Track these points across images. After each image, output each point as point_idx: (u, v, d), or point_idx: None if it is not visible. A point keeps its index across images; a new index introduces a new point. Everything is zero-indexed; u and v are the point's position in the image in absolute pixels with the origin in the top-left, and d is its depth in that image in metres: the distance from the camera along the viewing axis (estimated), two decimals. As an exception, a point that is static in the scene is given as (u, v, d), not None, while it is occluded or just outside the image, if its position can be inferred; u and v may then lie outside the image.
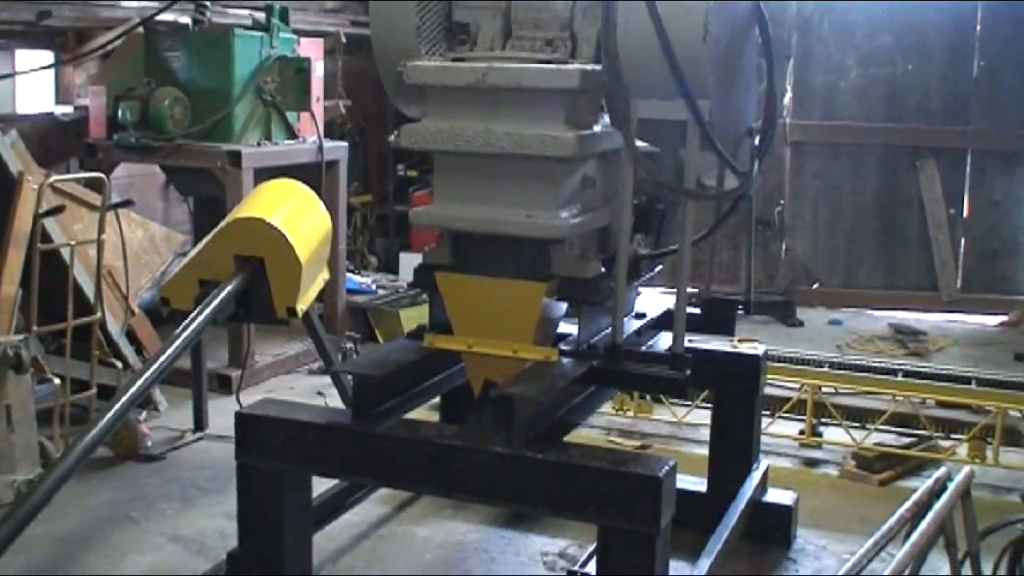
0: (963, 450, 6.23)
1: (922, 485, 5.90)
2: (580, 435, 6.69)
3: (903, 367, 6.48)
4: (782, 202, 10.68)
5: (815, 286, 10.78)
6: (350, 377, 4.22)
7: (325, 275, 5.54)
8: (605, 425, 6.88)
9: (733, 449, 5.24)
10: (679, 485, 5.36)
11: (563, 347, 4.23)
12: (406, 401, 4.17)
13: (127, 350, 6.53)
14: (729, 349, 5.24)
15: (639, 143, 4.20)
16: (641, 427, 6.86)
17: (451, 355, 4.32)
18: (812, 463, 6.43)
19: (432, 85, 4.10)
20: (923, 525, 3.20)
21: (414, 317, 8.61)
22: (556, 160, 3.95)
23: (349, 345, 7.74)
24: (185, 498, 5.48)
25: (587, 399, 4.32)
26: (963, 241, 10.46)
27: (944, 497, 3.40)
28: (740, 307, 5.13)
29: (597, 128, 4.21)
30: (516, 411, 3.68)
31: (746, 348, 5.26)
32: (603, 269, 4.20)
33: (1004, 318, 10.22)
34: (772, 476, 6.05)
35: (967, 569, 3.99)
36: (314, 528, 4.65)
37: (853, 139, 10.55)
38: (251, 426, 3.96)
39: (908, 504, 3.47)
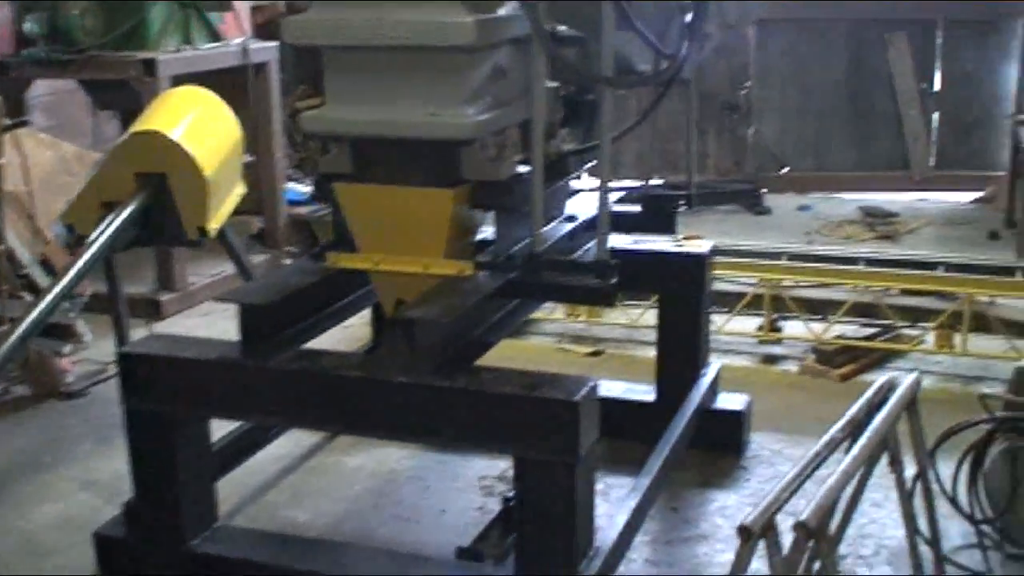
0: (930, 339, 5.91)
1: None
2: (531, 344, 6.39)
3: (865, 255, 6.11)
4: (748, 84, 10.21)
5: (784, 171, 10.37)
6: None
7: (240, 189, 5.15)
8: (558, 331, 6.56)
9: (681, 354, 4.91)
10: (626, 395, 5.18)
11: (480, 259, 3.84)
12: (306, 329, 3.80)
13: (44, 280, 6.13)
14: (672, 248, 4.86)
15: (563, 27, 3.80)
16: (594, 332, 6.53)
17: (358, 275, 3.93)
18: (772, 360, 6.12)
19: (315, -28, 3.66)
20: (858, 446, 2.85)
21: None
22: (458, 50, 3.53)
23: (287, 261, 7.35)
24: (101, 438, 5.13)
25: (508, 314, 3.95)
26: (935, 116, 10.03)
27: (884, 411, 3.05)
28: (682, 202, 4.72)
29: (505, 11, 3.77)
30: (419, 335, 3.33)
31: (691, 246, 4.88)
32: (522, 170, 3.80)
33: (979, 194, 9.84)
34: (730, 376, 5.75)
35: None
36: (236, 463, 4.35)
37: (819, 14, 10.03)
38: (135, 366, 3.59)
39: (842, 422, 3.12)
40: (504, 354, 6.27)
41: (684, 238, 5.02)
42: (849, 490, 3.03)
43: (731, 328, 6.21)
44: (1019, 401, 3.72)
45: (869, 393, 3.24)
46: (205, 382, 3.54)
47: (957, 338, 5.76)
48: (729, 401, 5.06)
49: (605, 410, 5.06)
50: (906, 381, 3.36)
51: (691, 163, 4.87)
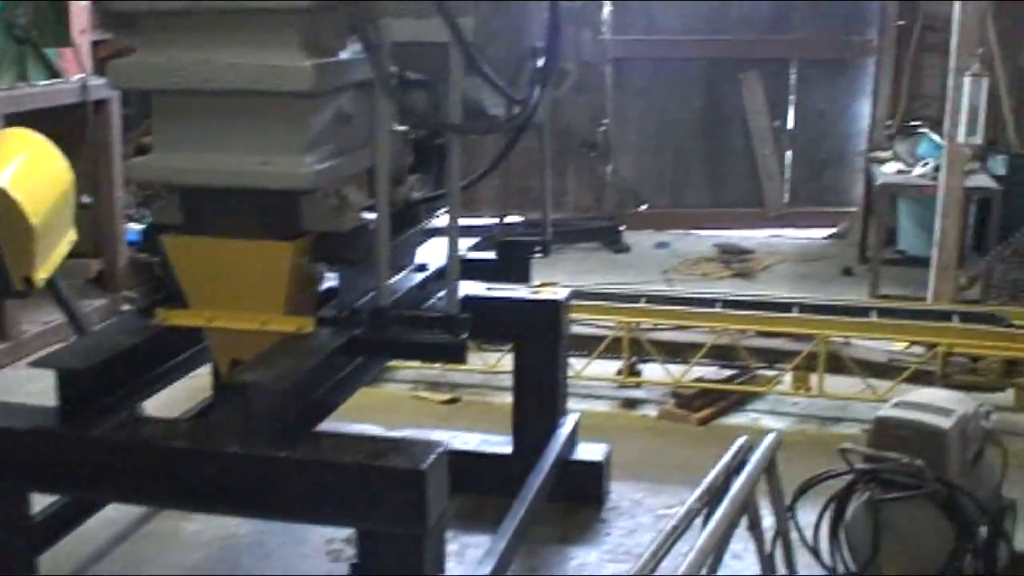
0: (788, 380, 5.89)
1: (742, 421, 5.61)
2: (384, 392, 6.17)
3: (721, 297, 6.07)
4: (605, 122, 10.20)
5: (643, 208, 10.38)
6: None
7: (72, 236, 4.86)
8: (413, 378, 6.35)
9: (538, 405, 4.76)
10: (482, 448, 5.00)
11: (323, 314, 3.63)
12: (132, 393, 3.52)
13: None
14: (528, 296, 4.71)
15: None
16: (451, 378, 6.34)
17: (191, 331, 3.67)
18: (632, 404, 6.03)
19: (141, 10, 3.41)
20: (715, 520, 2.72)
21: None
22: (294, 95, 3.32)
23: (126, 307, 6.99)
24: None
25: (355, 371, 3.74)
26: (789, 153, 10.17)
27: (742, 476, 2.94)
28: (538, 249, 4.58)
29: (349, 53, 3.59)
30: (252, 401, 3.09)
31: (547, 293, 4.74)
32: (368, 218, 3.60)
33: (833, 230, 10.01)
34: (590, 422, 5.64)
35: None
36: (64, 532, 4.02)
37: (675, 53, 10.11)
38: (-59, 433, 3.26)
39: (701, 489, 2.99)
40: (357, 403, 6.02)
41: (540, 285, 4.88)
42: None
43: (591, 372, 6.09)
44: (880, 455, 3.66)
45: (727, 457, 3.12)
46: (18, 453, 3.24)
47: (814, 379, 5.75)
48: (588, 451, 4.93)
49: (461, 464, 4.92)
50: (765, 442, 3.25)
51: (546, 210, 4.71)
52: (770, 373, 5.90)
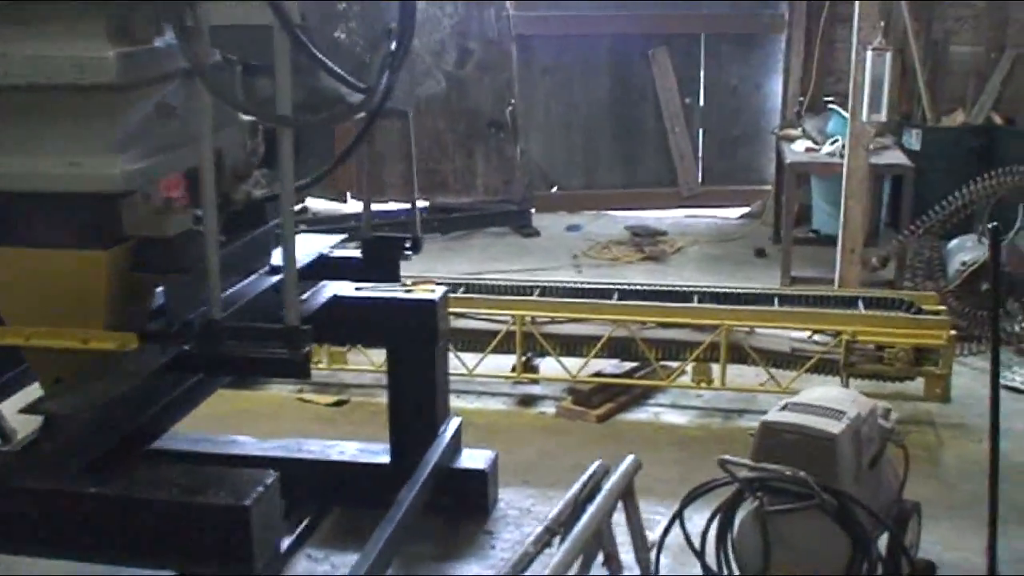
0: (689, 373, 5.63)
1: (643, 417, 5.31)
2: (268, 395, 5.83)
3: (620, 287, 5.78)
4: (512, 101, 9.87)
5: (554, 190, 10.09)
6: None
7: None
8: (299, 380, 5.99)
9: (416, 411, 4.45)
10: (360, 458, 4.68)
11: (152, 329, 3.27)
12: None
13: None
14: (400, 296, 4.39)
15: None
16: (341, 378, 6.00)
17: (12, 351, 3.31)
18: (528, 401, 5.74)
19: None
20: (562, 551, 2.43)
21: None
22: (100, 89, 2.96)
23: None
24: None
25: (189, 390, 3.40)
26: (701, 131, 9.92)
27: (594, 505, 2.65)
28: (407, 247, 4.25)
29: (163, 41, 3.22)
30: (54, 433, 2.74)
31: (421, 293, 4.42)
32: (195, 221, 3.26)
33: (747, 209, 9.79)
34: (483, 422, 5.41)
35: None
36: None
37: (582, 29, 9.78)
38: None
39: (554, 512, 2.69)
40: (238, 407, 5.72)
41: (415, 283, 4.56)
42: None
43: (485, 369, 5.79)
44: (760, 468, 3.39)
45: (577, 486, 2.83)
46: None
47: (717, 371, 5.49)
48: (472, 459, 4.63)
49: (337, 476, 4.63)
50: (622, 467, 2.96)
51: (414, 203, 4.38)
52: (673, 365, 5.63)
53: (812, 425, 3.52)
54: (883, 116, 5.72)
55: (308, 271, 4.18)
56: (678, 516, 3.66)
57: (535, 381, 5.79)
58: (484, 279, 6.05)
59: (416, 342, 4.35)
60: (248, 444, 4.74)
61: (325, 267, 4.26)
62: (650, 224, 9.29)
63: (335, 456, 4.63)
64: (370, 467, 4.55)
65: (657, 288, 5.78)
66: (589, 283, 5.90)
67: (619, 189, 9.99)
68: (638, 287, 5.78)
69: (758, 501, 3.49)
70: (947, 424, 5.38)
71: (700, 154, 9.93)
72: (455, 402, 5.69)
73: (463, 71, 9.45)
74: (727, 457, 3.40)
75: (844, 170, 6.09)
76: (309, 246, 4.35)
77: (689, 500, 3.68)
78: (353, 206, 10.30)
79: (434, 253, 8.64)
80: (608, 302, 5.58)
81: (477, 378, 5.80)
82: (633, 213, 9.80)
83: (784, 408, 3.68)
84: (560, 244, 8.90)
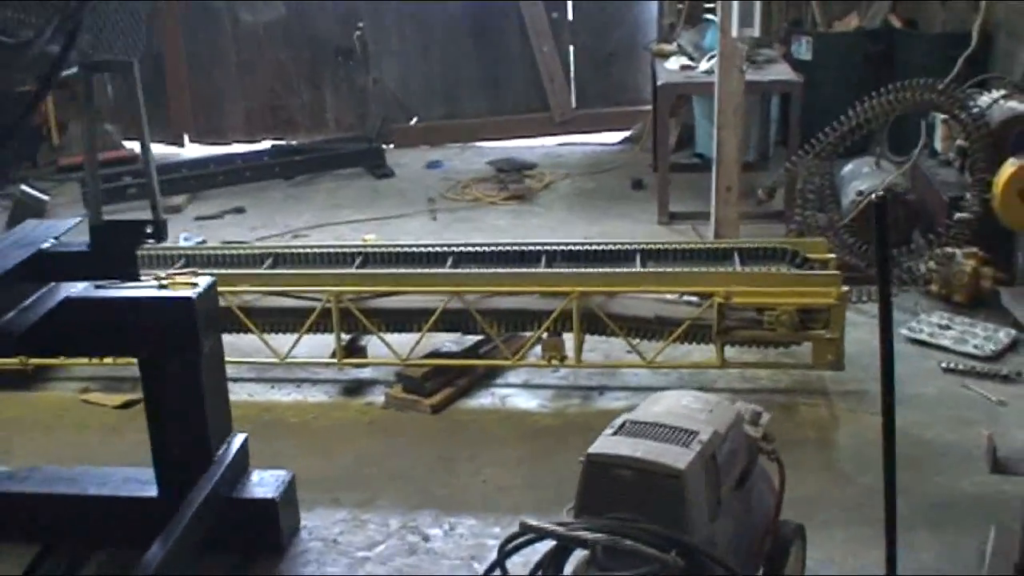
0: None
1: (487, 403, 4.50)
2: (49, 396, 4.95)
3: (451, 250, 4.88)
4: (360, 24, 8.84)
5: (413, 122, 9.13)
6: None
7: None
8: (87, 375, 5.04)
9: (181, 432, 3.56)
10: (123, 491, 3.79)
11: None
12: None
13: None
14: (148, 294, 3.46)
15: None
16: (134, 371, 5.03)
17: None
18: (354, 390, 4.87)
19: None
20: None
21: None
22: None
23: None
24: None
25: None
26: (571, 49, 8.98)
27: None
28: (148, 233, 3.32)
29: None
30: None
31: (178, 288, 3.49)
32: None
33: (627, 133, 8.93)
34: (297, 420, 4.63)
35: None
36: None
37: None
38: None
39: None
40: (9, 415, 4.78)
41: (173, 274, 3.62)
42: None
43: (305, 353, 4.89)
44: (564, 534, 2.57)
45: None
46: None
47: (571, 345, 4.67)
48: (261, 484, 3.75)
49: (99, 512, 3.76)
50: None
51: (152, 185, 3.41)
52: (524, 337, 4.80)
53: (652, 458, 2.69)
54: (756, 31, 4.87)
55: (24, 271, 3.27)
56: (500, 566, 2.82)
57: (360, 366, 4.91)
58: (292, 248, 5.11)
59: (172, 350, 3.44)
60: (-7, 477, 3.84)
61: (45, 265, 3.33)
62: (519, 157, 8.38)
63: (93, 490, 3.74)
64: (134, 501, 3.67)
65: (497, 249, 4.89)
66: (417, 246, 4.99)
67: (485, 118, 9.06)
68: (475, 248, 4.90)
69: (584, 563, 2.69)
70: (842, 393, 4.62)
71: (572, 74, 9.00)
72: (268, 394, 4.86)
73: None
74: (526, 521, 2.56)
75: (716, 94, 5.23)
76: (27, 238, 3.43)
77: (506, 554, 2.83)
78: (193, 150, 9.28)
79: (274, 203, 7.70)
80: (436, 271, 4.69)
81: (297, 364, 4.92)
82: (503, 143, 8.89)
83: (619, 430, 2.85)
84: (417, 185, 7.97)
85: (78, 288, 3.41)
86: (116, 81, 9.34)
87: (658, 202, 6.86)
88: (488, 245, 4.91)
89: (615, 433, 2.85)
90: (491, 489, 4.06)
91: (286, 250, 5.03)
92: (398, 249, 4.96)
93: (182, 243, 6.83)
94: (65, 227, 3.47)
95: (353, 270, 4.76)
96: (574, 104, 9.01)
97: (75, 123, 9.23)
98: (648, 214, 6.94)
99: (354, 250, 4.96)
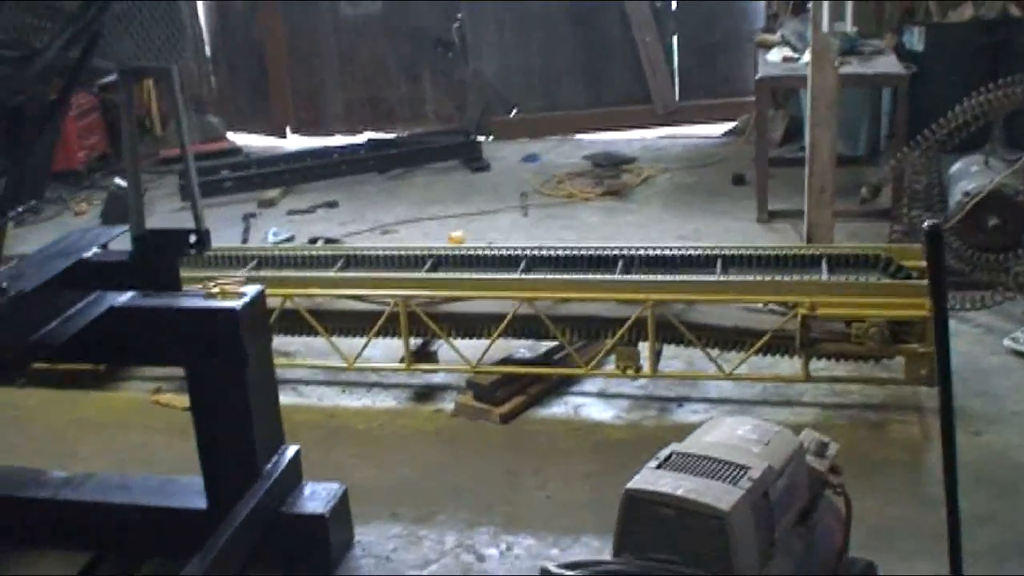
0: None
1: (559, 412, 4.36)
2: (120, 397, 4.92)
3: (525, 253, 4.70)
4: (460, 15, 8.72)
5: (513, 114, 8.96)
6: None
7: None
8: (161, 375, 5.01)
9: (230, 444, 3.48)
10: (174, 502, 3.74)
11: None
12: None
13: None
14: (194, 304, 3.38)
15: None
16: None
17: None
18: (425, 395, 4.74)
19: None
20: None
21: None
22: None
23: None
24: None
25: None
26: (675, 39, 8.70)
27: None
28: (191, 244, 3.23)
29: None
30: None
31: (225, 299, 3.40)
32: None
33: (732, 125, 8.62)
34: (364, 427, 4.53)
35: None
36: None
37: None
38: None
39: None
40: (79, 415, 4.78)
41: (222, 283, 3.53)
42: None
43: (381, 355, 4.80)
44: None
45: None
46: None
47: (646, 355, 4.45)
48: (312, 498, 3.64)
49: (149, 523, 3.71)
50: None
51: (193, 189, 3.30)
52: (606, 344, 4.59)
53: (695, 497, 2.49)
54: (848, 26, 4.57)
55: (66, 280, 3.21)
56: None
57: (430, 371, 4.78)
58: (364, 250, 4.98)
59: (216, 361, 3.35)
60: (47, 480, 3.82)
61: (87, 274, 3.27)
62: (617, 150, 8.15)
63: (145, 499, 3.69)
64: (184, 513, 3.61)
65: (571, 253, 4.70)
66: (490, 249, 4.83)
67: (585, 109, 8.84)
68: (549, 252, 4.71)
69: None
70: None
71: (675, 65, 8.72)
72: (338, 399, 4.77)
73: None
74: (550, 569, 2.37)
75: (808, 90, 4.94)
76: (72, 246, 3.37)
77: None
78: (295, 142, 9.29)
79: (367, 197, 7.62)
80: (506, 276, 4.52)
81: (369, 366, 4.82)
82: (603, 136, 8.67)
83: (663, 463, 2.65)
84: (511, 179, 7.80)
85: (124, 297, 3.35)
86: (219, 74, 9.43)
87: (757, 199, 6.58)
88: (562, 249, 4.72)
89: (659, 466, 2.65)
90: (554, 506, 3.89)
91: (358, 252, 4.91)
92: (470, 252, 4.81)
93: (271, 239, 6.82)
94: (111, 235, 3.40)
95: (422, 274, 4.62)
96: (677, 96, 8.71)
97: (179, 115, 9.31)
98: (747, 212, 6.66)
99: (425, 253, 4.83)
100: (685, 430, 2.80)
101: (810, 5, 6.65)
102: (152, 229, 3.28)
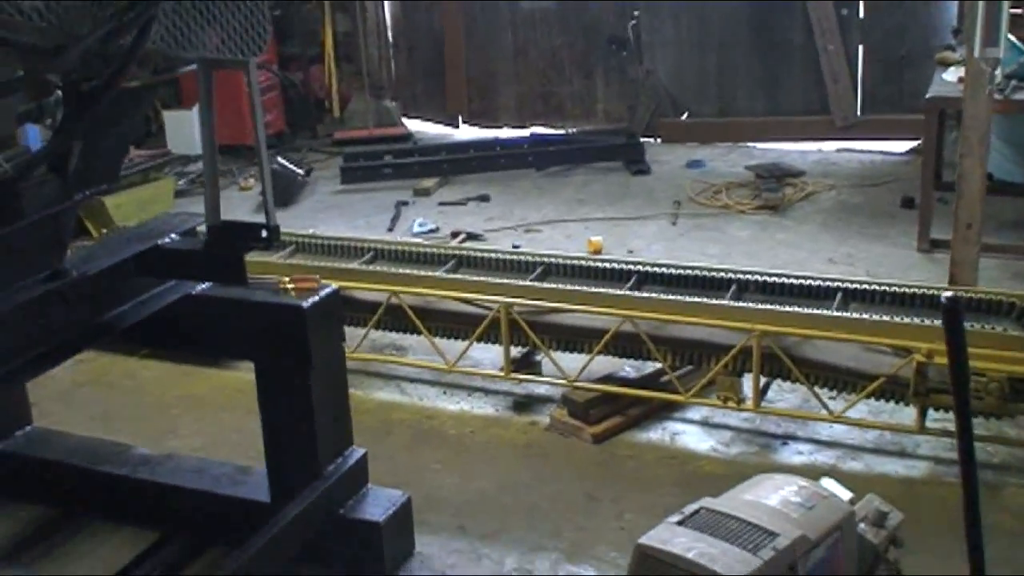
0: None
1: (655, 438, 4.22)
2: (235, 376, 4.97)
3: (635, 268, 4.53)
4: (636, 13, 8.54)
5: (684, 116, 8.72)
6: None
7: None
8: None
9: (295, 442, 3.47)
10: (239, 492, 3.76)
11: None
12: None
13: None
14: (263, 299, 3.38)
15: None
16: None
17: None
18: (525, 405, 4.65)
19: None
20: None
21: (127, 204, 6.82)
22: None
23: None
24: None
25: None
26: (860, 49, 8.28)
27: None
28: (261, 237, 3.22)
29: None
30: None
31: (293, 296, 3.39)
32: None
33: (914, 143, 8.14)
34: (456, 432, 4.48)
35: None
36: None
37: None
38: None
39: None
40: (189, 392, 4.89)
41: (298, 278, 3.52)
42: None
43: (489, 359, 4.74)
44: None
45: None
46: None
47: (749, 386, 4.23)
48: (373, 503, 3.60)
49: (214, 511, 3.75)
50: None
51: (266, 184, 3.29)
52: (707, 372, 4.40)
53: (705, 563, 2.32)
54: (1000, 51, 4.20)
55: (137, 265, 3.26)
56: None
57: (527, 381, 4.68)
58: (477, 252, 4.91)
59: (281, 357, 3.35)
60: (128, 458, 3.91)
61: (159, 260, 3.31)
62: (787, 162, 7.82)
63: (214, 486, 3.73)
64: (247, 504, 3.63)
65: (683, 272, 4.50)
66: (601, 261, 4.68)
67: (759, 117, 8.51)
68: (661, 270, 4.53)
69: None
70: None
71: (859, 77, 8.29)
72: (437, 400, 4.72)
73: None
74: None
75: (962, 119, 4.58)
76: (153, 231, 3.42)
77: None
78: (465, 132, 9.32)
79: (520, 193, 7.56)
80: (609, 291, 4.36)
81: (472, 372, 4.75)
82: (775, 146, 8.34)
83: (687, 519, 2.48)
84: (669, 185, 7.59)
85: (201, 286, 3.39)
86: (399, 59, 9.53)
87: (919, 227, 6.18)
88: (674, 268, 4.53)
89: (682, 521, 2.49)
90: (626, 538, 3.71)
91: (469, 254, 4.85)
92: (580, 263, 4.67)
93: (416, 229, 6.84)
94: (192, 223, 3.44)
95: (525, 282, 4.51)
96: (859, 109, 8.29)
97: (358, 97, 9.49)
98: (909, 238, 6.27)
99: (536, 259, 4.72)
100: (783, 471, 2.62)
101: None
102: (226, 220, 3.28)
